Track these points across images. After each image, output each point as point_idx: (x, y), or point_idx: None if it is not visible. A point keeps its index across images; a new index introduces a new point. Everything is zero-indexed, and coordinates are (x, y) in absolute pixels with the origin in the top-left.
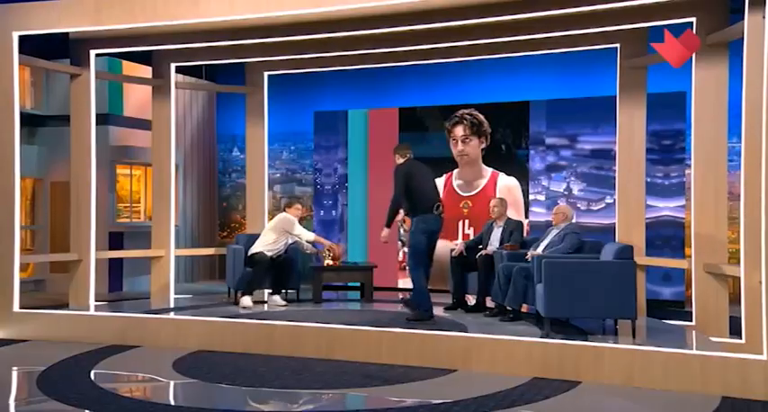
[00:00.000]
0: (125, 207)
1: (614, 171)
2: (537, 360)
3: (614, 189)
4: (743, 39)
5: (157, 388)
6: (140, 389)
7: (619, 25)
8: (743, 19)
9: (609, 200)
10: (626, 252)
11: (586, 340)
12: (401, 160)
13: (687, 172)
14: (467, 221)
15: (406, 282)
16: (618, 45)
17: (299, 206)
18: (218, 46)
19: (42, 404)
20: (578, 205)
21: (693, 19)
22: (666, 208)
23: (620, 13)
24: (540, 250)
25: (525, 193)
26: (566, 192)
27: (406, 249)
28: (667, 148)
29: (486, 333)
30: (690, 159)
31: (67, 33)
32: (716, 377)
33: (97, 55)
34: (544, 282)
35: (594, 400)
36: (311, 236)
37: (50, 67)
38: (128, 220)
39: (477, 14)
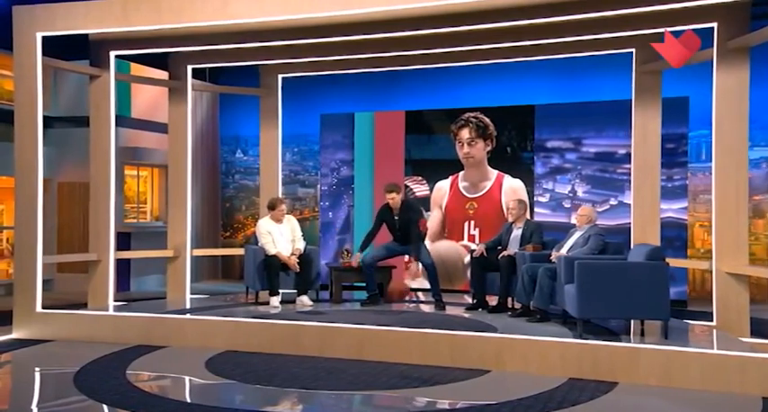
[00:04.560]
0: (132, 207)
1: (618, 173)
2: (572, 361)
3: (618, 191)
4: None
5: (197, 389)
6: (179, 389)
7: (638, 31)
8: None
9: (613, 201)
10: (657, 253)
11: (619, 341)
12: (400, 196)
13: (689, 174)
14: (472, 222)
15: (411, 283)
16: (633, 50)
17: (283, 208)
18: (235, 48)
19: (82, 404)
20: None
21: (714, 24)
22: (670, 209)
23: (641, 18)
24: (564, 251)
25: (531, 195)
26: (570, 194)
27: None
28: (670, 152)
29: (516, 333)
30: (691, 163)
31: (86, 34)
32: (755, 378)
33: (117, 56)
34: (576, 283)
35: (639, 401)
36: (272, 251)
37: (71, 68)
38: (135, 221)
39: (489, 20)
